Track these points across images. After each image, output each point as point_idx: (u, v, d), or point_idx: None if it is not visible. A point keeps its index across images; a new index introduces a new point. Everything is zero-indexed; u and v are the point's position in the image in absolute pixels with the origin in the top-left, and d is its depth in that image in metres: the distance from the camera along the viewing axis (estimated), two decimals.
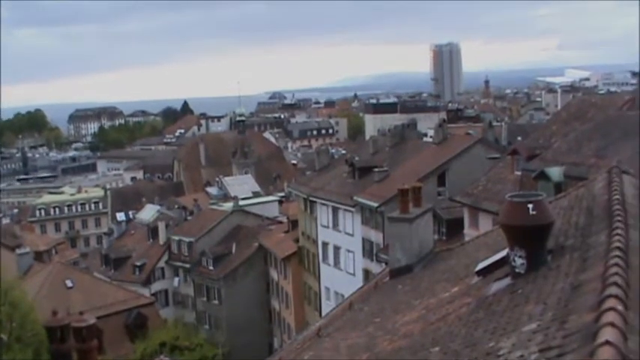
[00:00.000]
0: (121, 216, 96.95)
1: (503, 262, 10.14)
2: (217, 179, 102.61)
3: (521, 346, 6.14)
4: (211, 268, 72.24)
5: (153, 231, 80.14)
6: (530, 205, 9.02)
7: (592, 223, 9.78)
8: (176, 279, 77.66)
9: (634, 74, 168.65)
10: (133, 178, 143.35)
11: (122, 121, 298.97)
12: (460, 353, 7.47)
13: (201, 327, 72.01)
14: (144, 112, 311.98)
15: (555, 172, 29.71)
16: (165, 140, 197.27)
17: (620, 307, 5.57)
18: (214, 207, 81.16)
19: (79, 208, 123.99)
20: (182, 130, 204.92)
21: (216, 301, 72.36)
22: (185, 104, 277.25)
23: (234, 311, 69.84)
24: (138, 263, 76.77)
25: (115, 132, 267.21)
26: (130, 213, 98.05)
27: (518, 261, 9.33)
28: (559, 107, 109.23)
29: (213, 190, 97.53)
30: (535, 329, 6.43)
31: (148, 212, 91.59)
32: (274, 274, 70.71)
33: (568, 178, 28.15)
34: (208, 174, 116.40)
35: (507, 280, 9.56)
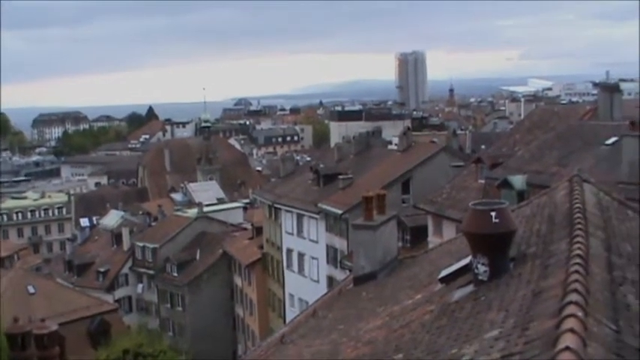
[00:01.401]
0: (84, 221, 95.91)
1: (466, 269, 10.18)
2: (182, 185, 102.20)
3: (483, 353, 6.18)
4: (175, 274, 71.96)
5: (117, 237, 79.59)
6: (493, 213, 9.08)
7: (553, 231, 9.88)
8: (140, 285, 77.25)
9: (595, 85, 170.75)
10: (97, 184, 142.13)
11: (86, 126, 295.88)
12: None
13: (165, 334, 71.43)
14: (108, 117, 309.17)
15: (518, 181, 29.95)
16: (129, 146, 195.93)
17: (580, 314, 5.63)
18: (179, 213, 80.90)
19: (42, 213, 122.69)
20: (147, 136, 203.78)
21: (180, 308, 72.04)
22: (150, 110, 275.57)
23: (198, 318, 69.55)
24: (101, 269, 76.25)
25: (80, 137, 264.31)
26: (94, 219, 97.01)
27: (481, 268, 9.38)
28: (522, 116, 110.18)
29: (177, 196, 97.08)
30: (497, 336, 6.47)
31: (112, 218, 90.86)
32: (238, 281, 70.53)
33: (531, 187, 28.41)
34: (173, 180, 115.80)
35: (470, 288, 9.61)
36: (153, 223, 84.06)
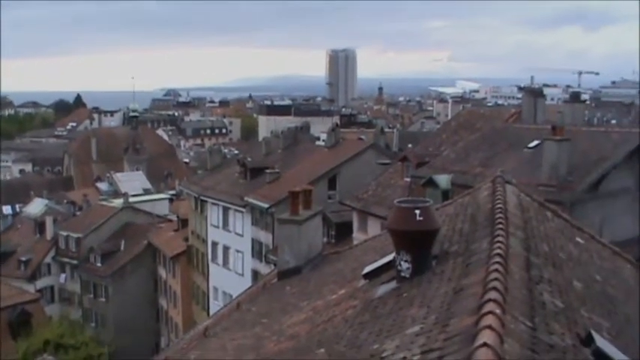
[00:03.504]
0: (7, 209, 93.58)
1: (389, 266, 10.26)
2: (108, 175, 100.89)
3: (404, 348, 6.25)
4: (99, 264, 71.06)
5: (40, 226, 78.09)
6: (417, 211, 9.17)
7: (475, 230, 10.05)
8: (62, 275, 75.96)
9: (520, 89, 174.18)
10: (21, 171, 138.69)
11: (12, 112, 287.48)
12: (345, 355, 7.56)
13: (88, 325, 70.50)
14: (35, 104, 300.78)
15: (443, 180, 30.34)
16: (56, 133, 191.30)
17: (498, 311, 5.76)
18: (104, 203, 79.85)
19: None
20: (74, 124, 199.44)
21: (103, 299, 71.14)
22: (78, 97, 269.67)
23: (121, 309, 68.75)
24: (23, 258, 74.55)
25: (4, 122, 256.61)
26: (17, 206, 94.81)
27: (404, 265, 9.47)
28: (449, 117, 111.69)
29: (103, 186, 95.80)
30: (418, 332, 6.55)
31: (36, 206, 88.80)
32: (163, 273, 69.95)
33: (455, 186, 28.80)
34: (99, 169, 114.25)
35: (393, 284, 9.69)
36: (78, 213, 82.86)
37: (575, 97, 39.64)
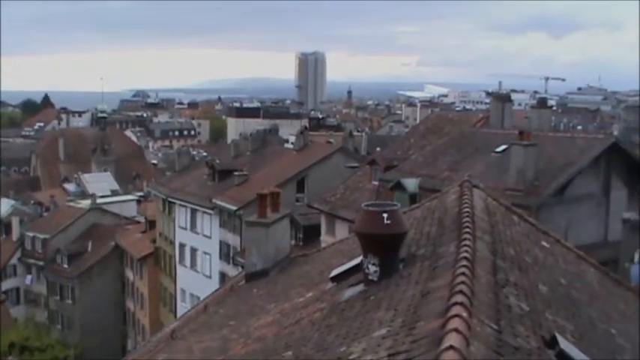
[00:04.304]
0: None
1: (357, 269, 10.28)
2: (76, 176, 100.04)
3: (371, 351, 6.27)
4: (66, 266, 70.58)
5: (6, 226, 77.44)
6: (384, 215, 9.20)
7: (443, 233, 10.10)
8: (28, 277, 75.32)
9: (488, 94, 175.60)
10: None
11: None
12: (312, 357, 7.56)
13: (54, 327, 70.02)
14: (2, 103, 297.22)
15: (411, 184, 30.50)
16: (23, 133, 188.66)
17: (464, 314, 5.81)
18: (71, 204, 79.22)
19: None
20: (41, 124, 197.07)
21: (69, 301, 70.60)
22: (46, 97, 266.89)
23: (87, 311, 68.30)
24: None
25: None
26: None
27: (372, 268, 9.49)
28: (418, 121, 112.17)
29: (70, 187, 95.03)
30: (385, 335, 6.57)
31: (2, 207, 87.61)
32: (130, 275, 69.56)
33: (423, 190, 28.96)
34: (67, 170, 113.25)
35: (360, 287, 9.71)
36: (44, 213, 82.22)
37: (542, 103, 40.02)
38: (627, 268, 16.03)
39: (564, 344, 6.80)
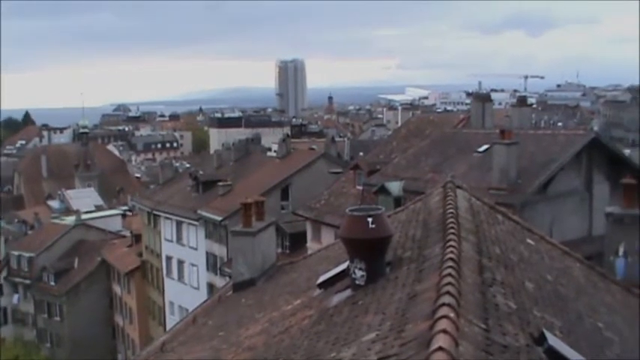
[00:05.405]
0: None
1: (343, 274, 10.29)
2: (59, 192, 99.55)
3: (361, 356, 6.27)
4: (52, 283, 70.30)
5: None
6: (369, 219, 9.21)
7: (428, 235, 10.12)
8: (15, 296, 75.02)
9: (468, 94, 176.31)
10: None
11: None
12: None
13: (43, 345, 69.71)
14: None
15: (395, 187, 30.58)
16: (5, 151, 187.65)
17: (452, 315, 5.83)
18: (56, 221, 78.81)
19: None
20: (23, 142, 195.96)
21: (57, 318, 70.29)
22: (27, 115, 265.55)
23: (76, 328, 68.03)
24: None
25: None
26: None
27: (358, 273, 9.49)
28: (399, 124, 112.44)
29: (54, 204, 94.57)
30: (374, 339, 6.58)
31: None
32: (118, 289, 69.29)
33: (407, 193, 29.03)
34: (50, 187, 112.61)
35: (348, 292, 9.71)
36: (29, 232, 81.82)
37: (522, 101, 40.16)
38: (612, 262, 16.10)
39: (553, 340, 6.83)
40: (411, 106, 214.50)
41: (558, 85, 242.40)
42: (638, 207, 16.36)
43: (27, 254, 73.03)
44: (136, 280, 64.82)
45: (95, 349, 66.96)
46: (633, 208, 16.36)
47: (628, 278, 15.42)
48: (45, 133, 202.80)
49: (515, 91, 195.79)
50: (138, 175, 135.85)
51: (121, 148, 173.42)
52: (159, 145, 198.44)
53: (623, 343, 10.06)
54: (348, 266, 9.89)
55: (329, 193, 41.08)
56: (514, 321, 7.08)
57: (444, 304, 6.08)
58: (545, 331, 6.99)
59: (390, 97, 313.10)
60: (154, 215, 60.56)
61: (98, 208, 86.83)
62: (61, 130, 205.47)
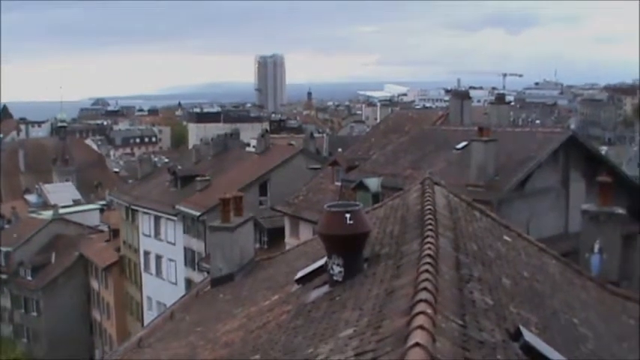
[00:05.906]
0: None
1: (321, 270, 10.30)
2: (37, 186, 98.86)
3: (338, 351, 6.29)
4: (30, 278, 69.90)
5: None
6: (347, 215, 9.22)
7: (406, 231, 10.14)
8: None
9: (447, 91, 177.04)
10: None
11: None
12: None
13: (19, 341, 69.30)
14: None
15: (373, 183, 30.59)
16: None
17: (429, 311, 5.85)
18: (33, 215, 78.39)
19: None
20: (0, 135, 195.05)
21: (34, 313, 69.93)
22: (4, 108, 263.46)
23: (53, 323, 67.69)
24: None
25: None
26: None
27: (336, 269, 9.51)
28: (378, 120, 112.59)
29: (32, 198, 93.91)
30: (351, 334, 6.59)
31: None
32: (95, 284, 69.01)
33: (385, 189, 29.07)
34: (27, 181, 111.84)
35: (326, 288, 9.72)
36: (6, 226, 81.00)
37: (500, 99, 40.26)
38: (587, 259, 16.23)
39: (529, 336, 6.89)
40: (389, 102, 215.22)
41: (536, 84, 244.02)
42: (614, 205, 16.52)
43: (4, 249, 72.48)
44: (113, 275, 64.58)
45: (72, 344, 66.65)
46: (608, 205, 16.51)
47: (603, 275, 15.57)
48: (22, 126, 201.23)
49: (494, 88, 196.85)
50: (116, 170, 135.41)
51: (99, 142, 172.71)
52: (137, 140, 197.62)
53: (598, 338, 10.16)
54: (326, 262, 9.90)
55: (307, 188, 41.08)
56: (491, 317, 7.12)
57: (421, 300, 6.09)
58: (521, 327, 7.05)
59: (369, 93, 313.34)
60: (132, 210, 60.33)
61: (76, 203, 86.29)
62: (39, 124, 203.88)
